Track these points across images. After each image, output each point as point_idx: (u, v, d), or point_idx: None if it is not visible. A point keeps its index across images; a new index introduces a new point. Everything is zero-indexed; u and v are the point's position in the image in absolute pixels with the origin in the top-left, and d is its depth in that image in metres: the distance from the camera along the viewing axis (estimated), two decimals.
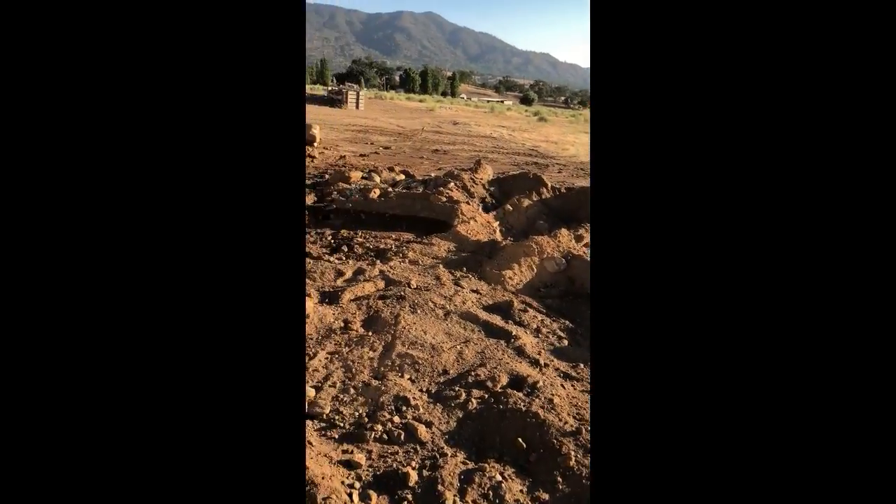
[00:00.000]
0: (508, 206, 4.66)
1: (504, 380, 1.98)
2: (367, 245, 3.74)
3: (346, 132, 12.27)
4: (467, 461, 1.56)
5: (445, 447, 1.62)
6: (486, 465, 1.53)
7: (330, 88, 29.20)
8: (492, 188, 5.34)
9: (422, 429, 1.67)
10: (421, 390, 1.92)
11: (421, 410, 1.78)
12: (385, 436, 1.64)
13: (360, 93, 24.31)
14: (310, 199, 4.82)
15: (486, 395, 1.86)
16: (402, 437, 1.64)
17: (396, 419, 1.72)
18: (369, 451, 1.57)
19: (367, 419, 1.71)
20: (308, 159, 6.90)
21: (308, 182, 5.58)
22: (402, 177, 6.07)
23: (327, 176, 5.79)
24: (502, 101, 54.95)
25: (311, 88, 34.14)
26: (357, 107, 22.60)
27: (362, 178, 5.67)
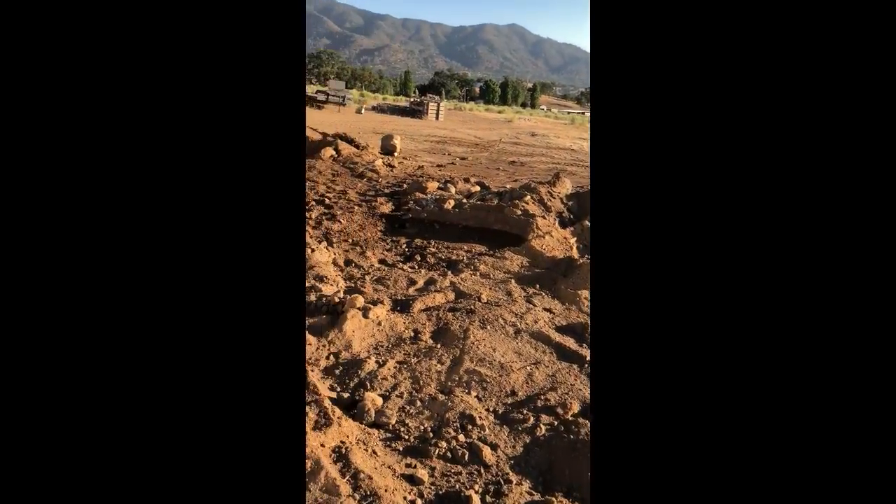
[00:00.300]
0: (587, 222, 4.48)
1: (576, 407, 1.88)
2: (440, 255, 3.76)
3: (425, 143, 12.56)
4: (533, 491, 1.49)
5: (511, 473, 1.55)
6: (554, 498, 1.45)
7: (412, 100, 30.18)
8: (570, 203, 5.18)
9: (487, 451, 1.62)
10: (487, 410, 1.87)
11: (487, 431, 1.74)
12: (449, 454, 1.61)
13: (441, 104, 24.86)
14: (387, 208, 4.96)
15: (556, 423, 1.77)
16: (467, 457, 1.60)
17: (461, 437, 1.69)
18: (432, 468, 1.55)
19: (431, 434, 1.70)
20: (388, 169, 7.14)
21: (387, 191, 5.76)
22: (478, 188, 6.08)
23: (405, 185, 5.94)
24: (583, 113, 53.57)
25: (394, 99, 35.59)
26: (437, 118, 23.12)
27: (438, 188, 5.75)
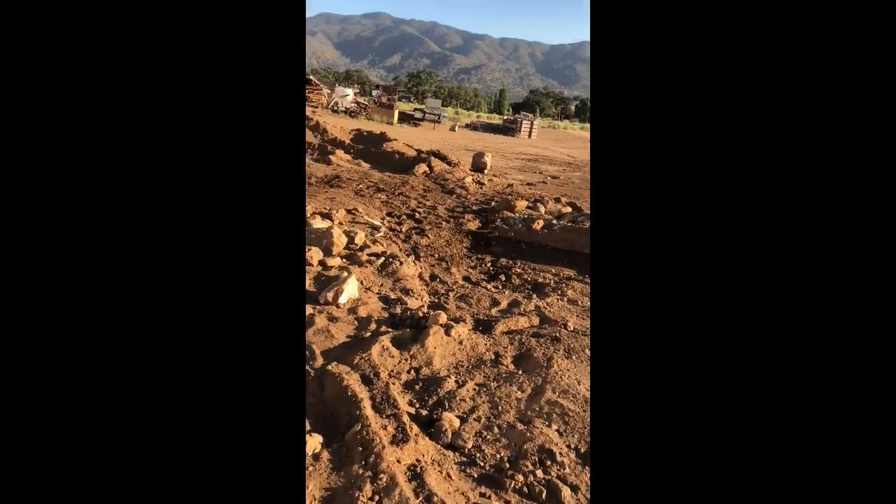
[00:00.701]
0: None
1: None
2: (525, 277, 3.69)
3: (516, 160, 12.52)
4: None
5: None
6: None
7: (505, 117, 30.39)
8: None
9: (566, 492, 1.53)
10: (569, 446, 1.77)
11: (567, 469, 1.64)
12: (525, 489, 1.54)
13: (534, 122, 24.74)
14: (474, 225, 4.99)
15: None
16: (544, 495, 1.52)
17: (539, 473, 1.61)
18: (507, 502, 1.49)
19: (508, 465, 1.64)
20: (477, 186, 7.20)
21: (475, 208, 5.80)
22: (569, 209, 5.90)
23: (493, 203, 5.94)
24: None
25: (487, 117, 36.15)
26: (529, 136, 23.02)
27: (527, 207, 5.68)
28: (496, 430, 1.82)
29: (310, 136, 9.67)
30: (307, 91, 23.62)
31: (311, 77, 27.39)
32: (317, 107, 21.93)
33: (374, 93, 30.20)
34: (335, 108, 23.01)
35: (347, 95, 25.16)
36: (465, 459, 1.66)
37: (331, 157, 8.41)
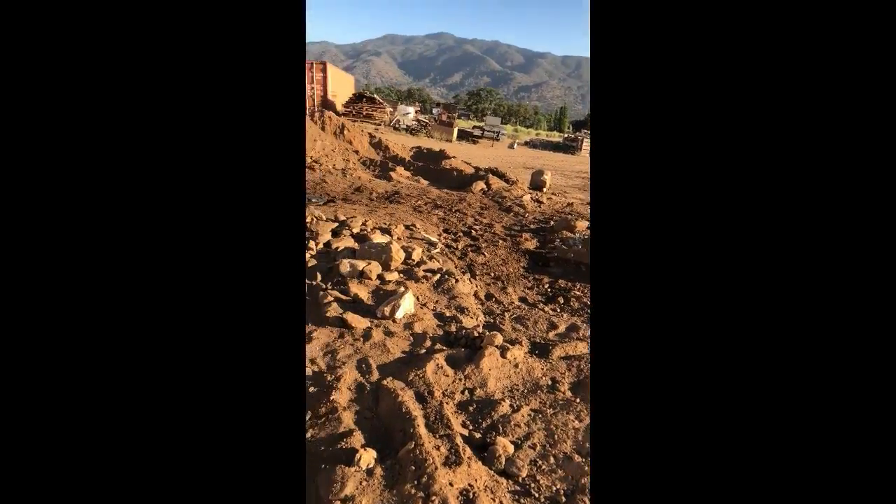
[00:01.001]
0: None
1: None
2: (585, 300, 3.57)
3: (577, 179, 12.29)
4: None
5: None
6: None
7: (565, 135, 30.04)
8: None
9: None
10: None
11: None
12: None
13: None
14: (532, 244, 4.92)
15: None
16: None
17: None
18: None
19: (564, 499, 1.57)
20: (535, 204, 7.12)
21: (533, 227, 5.73)
22: None
23: (552, 222, 5.84)
24: None
25: (547, 135, 35.90)
26: (591, 154, 22.58)
27: (588, 227, 5.52)
28: (552, 459, 1.75)
29: (372, 153, 10.02)
30: (371, 109, 24.59)
31: (375, 96, 28.49)
32: (379, 124, 22.74)
33: (435, 111, 30.88)
34: (397, 125, 23.75)
35: (409, 113, 25.91)
36: (518, 488, 1.61)
37: (391, 173, 8.66)
